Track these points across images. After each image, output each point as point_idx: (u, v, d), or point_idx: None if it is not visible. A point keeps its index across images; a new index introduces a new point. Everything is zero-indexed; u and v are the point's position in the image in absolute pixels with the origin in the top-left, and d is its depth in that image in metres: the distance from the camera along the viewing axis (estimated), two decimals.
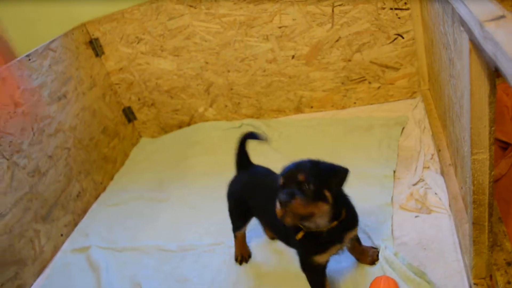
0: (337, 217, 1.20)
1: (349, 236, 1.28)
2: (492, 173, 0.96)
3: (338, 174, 1.18)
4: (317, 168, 1.15)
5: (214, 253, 1.68)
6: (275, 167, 1.45)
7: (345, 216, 1.23)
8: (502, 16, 0.67)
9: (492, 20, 0.67)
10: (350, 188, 1.76)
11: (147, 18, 2.34)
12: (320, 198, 1.13)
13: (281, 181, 1.15)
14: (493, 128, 0.90)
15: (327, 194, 1.14)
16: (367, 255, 1.42)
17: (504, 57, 0.57)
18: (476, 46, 0.77)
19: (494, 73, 0.79)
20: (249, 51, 2.31)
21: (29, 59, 2.03)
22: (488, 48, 0.65)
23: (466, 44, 0.84)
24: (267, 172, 1.51)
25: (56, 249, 1.99)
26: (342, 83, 2.31)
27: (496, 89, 0.85)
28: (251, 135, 1.52)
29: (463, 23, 0.84)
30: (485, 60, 0.75)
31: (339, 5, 2.09)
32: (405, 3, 2.02)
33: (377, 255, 1.41)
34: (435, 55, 1.70)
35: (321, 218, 1.18)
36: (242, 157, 1.54)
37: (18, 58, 1.99)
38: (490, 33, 0.63)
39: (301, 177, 1.11)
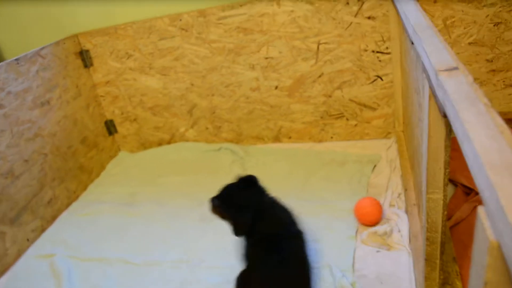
0: None
1: None
2: (445, 212, 1.02)
3: None
4: None
5: (179, 270, 1.69)
6: None
7: None
8: (455, 68, 0.75)
9: (446, 70, 0.74)
10: (317, 218, 1.83)
11: (139, 36, 2.40)
12: None
13: None
14: (447, 170, 0.96)
15: None
16: None
17: (449, 103, 0.63)
18: (433, 93, 0.84)
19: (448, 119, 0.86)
20: (235, 78, 2.38)
21: (18, 63, 2.06)
22: (440, 95, 0.72)
23: (426, 90, 0.91)
24: None
25: (20, 253, 1.97)
26: (321, 117, 2.39)
27: (451, 134, 0.92)
28: None
29: (424, 71, 0.91)
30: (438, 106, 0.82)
31: (325, 43, 2.18)
32: (387, 47, 2.13)
33: None
34: (408, 99, 1.79)
35: None
36: None
37: (7, 61, 2.01)
38: (442, 82, 0.70)
39: None
